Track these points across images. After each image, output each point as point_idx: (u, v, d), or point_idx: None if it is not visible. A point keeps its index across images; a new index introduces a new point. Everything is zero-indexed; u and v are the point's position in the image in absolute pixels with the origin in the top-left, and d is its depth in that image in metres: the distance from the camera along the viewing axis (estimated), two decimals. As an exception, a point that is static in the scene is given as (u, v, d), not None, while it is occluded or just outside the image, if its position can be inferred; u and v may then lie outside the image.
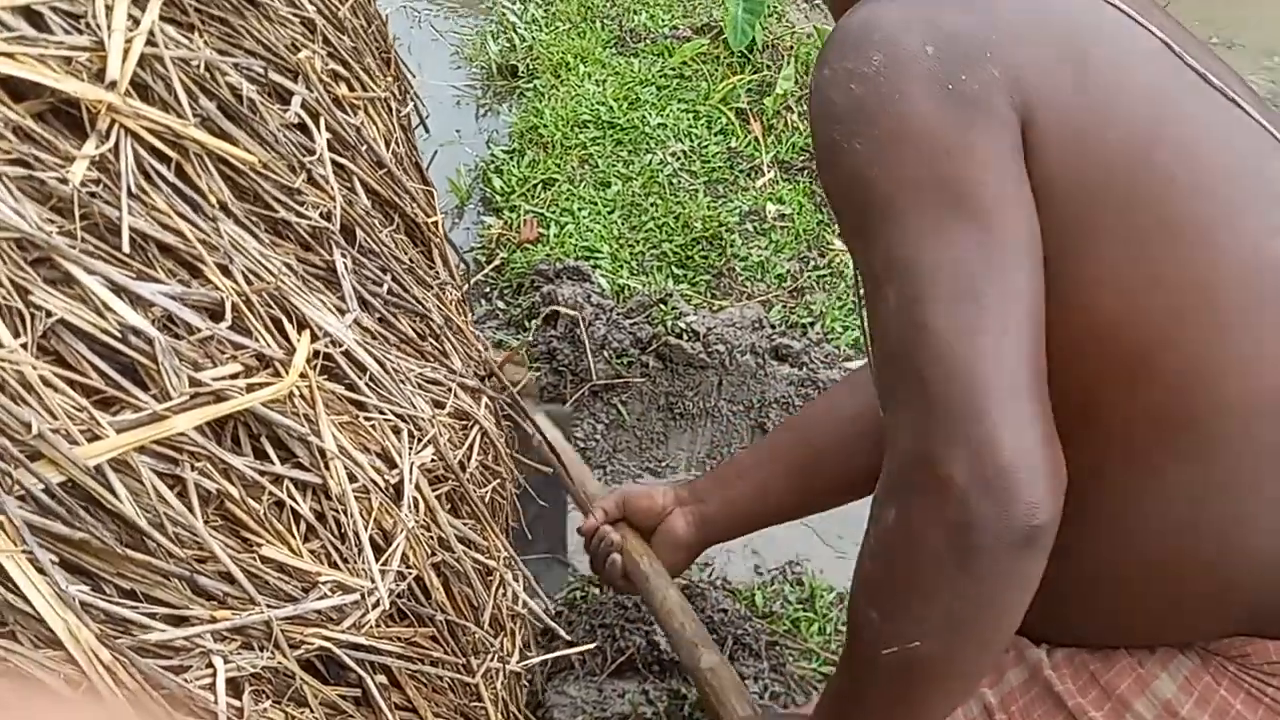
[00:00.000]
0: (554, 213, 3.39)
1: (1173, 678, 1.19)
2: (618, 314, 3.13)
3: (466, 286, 1.98)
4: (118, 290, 0.96)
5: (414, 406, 1.20)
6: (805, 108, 3.73)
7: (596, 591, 2.60)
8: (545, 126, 3.62)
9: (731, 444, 3.04)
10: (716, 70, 3.83)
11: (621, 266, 3.26)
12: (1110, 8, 1.13)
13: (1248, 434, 1.09)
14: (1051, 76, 1.07)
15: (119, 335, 0.95)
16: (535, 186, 3.48)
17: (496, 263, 3.31)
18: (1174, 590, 1.17)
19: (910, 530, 1.03)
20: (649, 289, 3.18)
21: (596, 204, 3.42)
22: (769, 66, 3.83)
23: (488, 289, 3.28)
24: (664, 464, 3.02)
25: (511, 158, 3.62)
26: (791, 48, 3.91)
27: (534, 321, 3.12)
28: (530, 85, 3.84)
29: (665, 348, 3.06)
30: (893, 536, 1.05)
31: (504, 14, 4.16)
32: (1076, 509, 1.09)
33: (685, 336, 3.08)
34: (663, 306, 3.13)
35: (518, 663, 1.30)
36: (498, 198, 3.49)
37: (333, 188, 1.29)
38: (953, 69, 1.06)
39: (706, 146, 3.59)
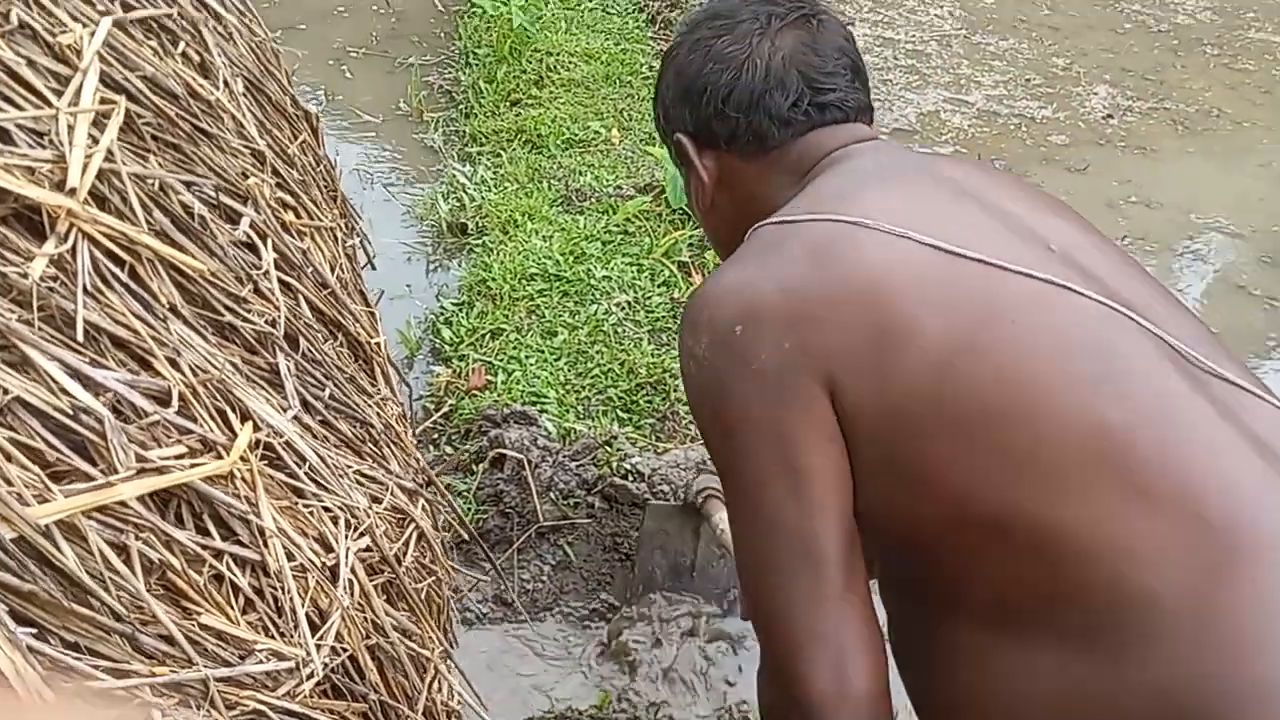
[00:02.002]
0: (502, 361, 3.48)
1: None
2: (564, 456, 3.20)
3: (407, 404, 2.06)
4: (72, 373, 1.04)
5: (351, 499, 1.27)
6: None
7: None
8: (494, 280, 3.74)
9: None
10: (659, 226, 3.99)
11: (568, 411, 3.34)
12: (918, 245, 1.32)
13: (1117, 577, 1.21)
14: (847, 332, 1.29)
15: (71, 414, 1.02)
16: (483, 336, 3.58)
17: (445, 410, 3.38)
18: None
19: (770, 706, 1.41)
20: (595, 432, 3.26)
21: (543, 352, 3.52)
22: (709, 222, 3.99)
23: (436, 435, 3.34)
24: (611, 605, 3.05)
25: (460, 309, 3.73)
26: (730, 205, 4.08)
27: (481, 465, 3.18)
28: (479, 241, 3.98)
29: (611, 488, 3.12)
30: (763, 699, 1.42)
31: (454, 176, 4.32)
32: (947, 667, 1.33)
33: (631, 477, 3.14)
34: (608, 449, 3.21)
35: (452, 754, 1.34)
36: (447, 348, 3.58)
37: (278, 299, 1.38)
38: (756, 348, 1.30)
39: (650, 297, 3.72)
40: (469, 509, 3.05)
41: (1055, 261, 1.33)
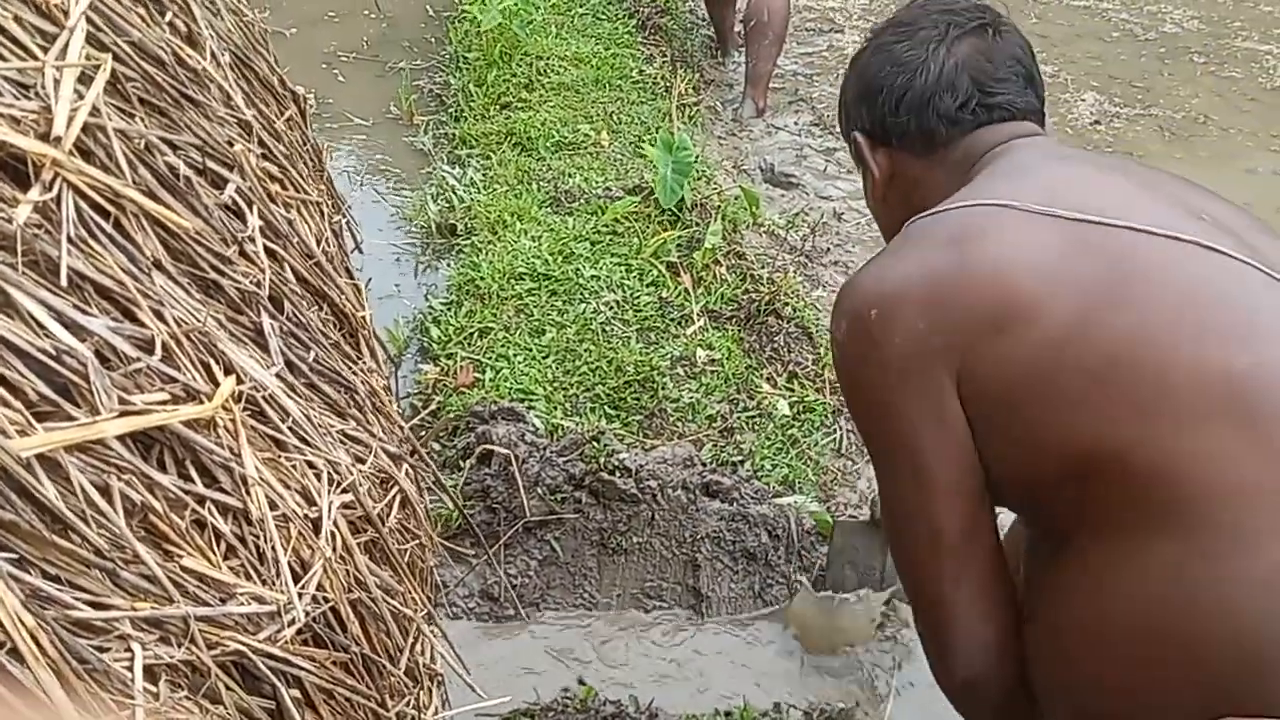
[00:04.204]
0: (490, 359, 3.49)
1: None
2: (551, 452, 3.20)
3: (394, 383, 2.06)
4: (55, 315, 1.04)
5: (334, 455, 1.27)
6: (734, 262, 3.93)
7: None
8: (482, 279, 3.74)
9: (665, 578, 3.08)
10: (648, 227, 4.00)
11: (556, 408, 3.34)
12: (1057, 220, 1.38)
13: (1222, 517, 1.26)
14: (974, 313, 1.36)
15: (54, 355, 1.02)
16: (472, 335, 3.59)
17: (433, 407, 3.38)
18: (1153, 659, 1.30)
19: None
20: (582, 428, 3.26)
21: (531, 350, 3.52)
22: (697, 224, 4.00)
23: (423, 433, 3.35)
24: (597, 600, 3.05)
25: (449, 309, 3.73)
26: (719, 206, 4.10)
27: (468, 461, 3.18)
28: (468, 242, 3.99)
29: (598, 483, 3.12)
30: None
31: (443, 178, 4.33)
32: (1067, 584, 1.39)
33: (618, 473, 3.14)
34: (596, 444, 3.21)
35: (433, 716, 1.34)
36: (435, 346, 3.59)
37: (263, 262, 1.39)
38: (889, 331, 1.39)
39: (638, 296, 3.73)
40: (453, 511, 3.05)
41: (1207, 226, 1.38)
